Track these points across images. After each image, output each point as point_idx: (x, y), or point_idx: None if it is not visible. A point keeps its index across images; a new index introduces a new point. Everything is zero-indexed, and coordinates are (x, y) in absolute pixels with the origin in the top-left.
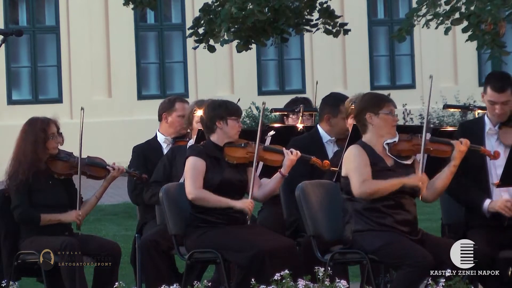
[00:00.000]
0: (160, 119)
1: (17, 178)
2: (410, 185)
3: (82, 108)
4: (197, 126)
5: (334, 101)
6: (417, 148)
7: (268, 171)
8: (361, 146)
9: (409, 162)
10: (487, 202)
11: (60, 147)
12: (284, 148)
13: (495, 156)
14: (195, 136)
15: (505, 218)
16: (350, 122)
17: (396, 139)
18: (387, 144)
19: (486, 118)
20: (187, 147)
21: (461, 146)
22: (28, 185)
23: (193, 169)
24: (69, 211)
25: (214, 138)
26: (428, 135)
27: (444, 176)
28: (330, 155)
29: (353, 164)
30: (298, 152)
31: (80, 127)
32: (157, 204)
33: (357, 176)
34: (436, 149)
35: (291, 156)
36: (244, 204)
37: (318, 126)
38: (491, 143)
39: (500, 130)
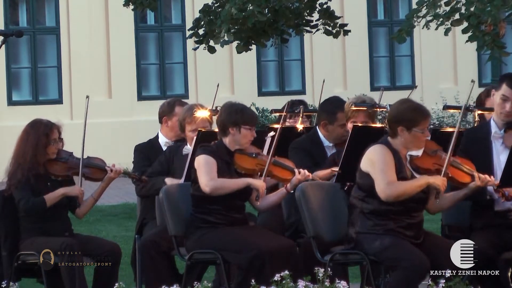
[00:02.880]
0: (160, 122)
1: (16, 178)
2: (433, 186)
3: (87, 97)
4: (190, 134)
5: (332, 108)
6: (436, 168)
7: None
8: (388, 148)
9: None
10: None
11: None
12: (295, 167)
13: (508, 198)
14: (194, 141)
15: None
16: (350, 126)
17: (420, 152)
18: (409, 155)
19: (492, 122)
20: (183, 151)
21: (480, 182)
22: (29, 183)
23: (206, 164)
24: (67, 213)
25: (226, 141)
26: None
27: (452, 200)
28: None
29: (379, 165)
30: (310, 175)
31: (85, 116)
32: (145, 196)
33: (383, 178)
34: (454, 177)
35: (299, 176)
36: (259, 183)
37: (317, 128)
38: (496, 147)
39: (505, 133)
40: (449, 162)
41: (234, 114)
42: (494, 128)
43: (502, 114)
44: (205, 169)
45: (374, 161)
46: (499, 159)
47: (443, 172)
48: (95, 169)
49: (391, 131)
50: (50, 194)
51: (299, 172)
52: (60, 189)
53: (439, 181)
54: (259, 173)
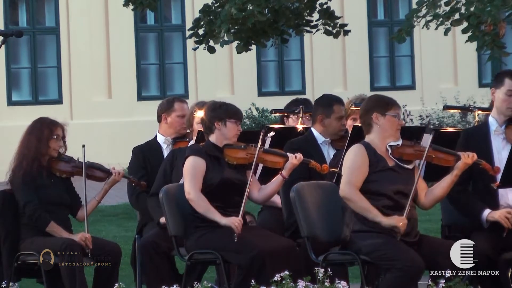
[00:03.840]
0: (159, 120)
1: (21, 171)
2: (387, 225)
3: (83, 146)
4: (197, 127)
5: (327, 101)
6: (419, 154)
7: (268, 173)
8: (363, 146)
9: (410, 167)
10: (486, 211)
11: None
12: (288, 152)
13: (495, 171)
14: (195, 137)
15: (504, 229)
16: (350, 123)
17: (400, 142)
18: (390, 146)
19: (491, 118)
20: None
21: (467, 158)
22: (33, 179)
23: (192, 169)
24: (75, 233)
25: (212, 138)
26: (428, 136)
27: (444, 185)
28: (326, 156)
29: (348, 164)
30: (301, 156)
31: (83, 164)
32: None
33: (346, 176)
34: (438, 157)
35: (294, 160)
36: (231, 221)
37: (312, 128)
38: (497, 143)
39: (506, 129)
40: (430, 146)
41: (218, 109)
42: (493, 125)
43: (509, 109)
44: (190, 174)
45: (345, 160)
46: (501, 156)
47: (425, 154)
48: (98, 170)
49: (366, 126)
50: (55, 226)
51: (295, 157)
52: (65, 232)
53: (395, 221)
54: (251, 168)
